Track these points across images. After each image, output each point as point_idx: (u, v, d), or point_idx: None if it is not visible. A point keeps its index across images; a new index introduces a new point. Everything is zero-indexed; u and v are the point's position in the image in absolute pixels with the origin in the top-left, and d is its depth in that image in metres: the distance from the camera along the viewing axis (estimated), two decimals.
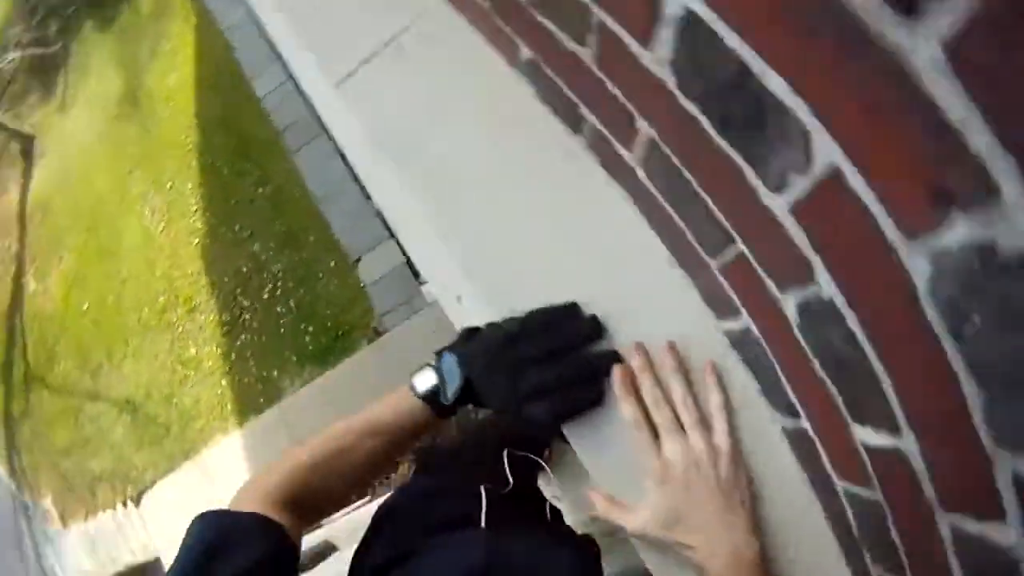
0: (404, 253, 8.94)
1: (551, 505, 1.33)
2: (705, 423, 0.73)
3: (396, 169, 1.10)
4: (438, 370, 0.95)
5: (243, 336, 9.36)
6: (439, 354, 0.97)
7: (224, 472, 9.63)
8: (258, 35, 10.40)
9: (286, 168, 9.38)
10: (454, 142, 1.09)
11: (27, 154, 12.55)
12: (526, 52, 0.96)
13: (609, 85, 0.73)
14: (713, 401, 0.76)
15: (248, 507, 0.87)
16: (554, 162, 1.00)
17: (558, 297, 0.88)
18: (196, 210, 10.09)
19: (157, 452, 10.17)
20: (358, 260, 9.03)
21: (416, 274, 8.89)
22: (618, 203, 0.94)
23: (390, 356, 8.80)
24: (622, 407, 0.77)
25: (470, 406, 0.95)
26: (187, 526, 0.85)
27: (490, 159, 1.08)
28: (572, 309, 0.87)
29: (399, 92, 1.16)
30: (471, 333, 0.94)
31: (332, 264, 9.01)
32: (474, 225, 1.04)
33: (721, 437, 0.73)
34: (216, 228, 9.80)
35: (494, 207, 1.03)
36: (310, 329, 8.99)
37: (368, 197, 9.20)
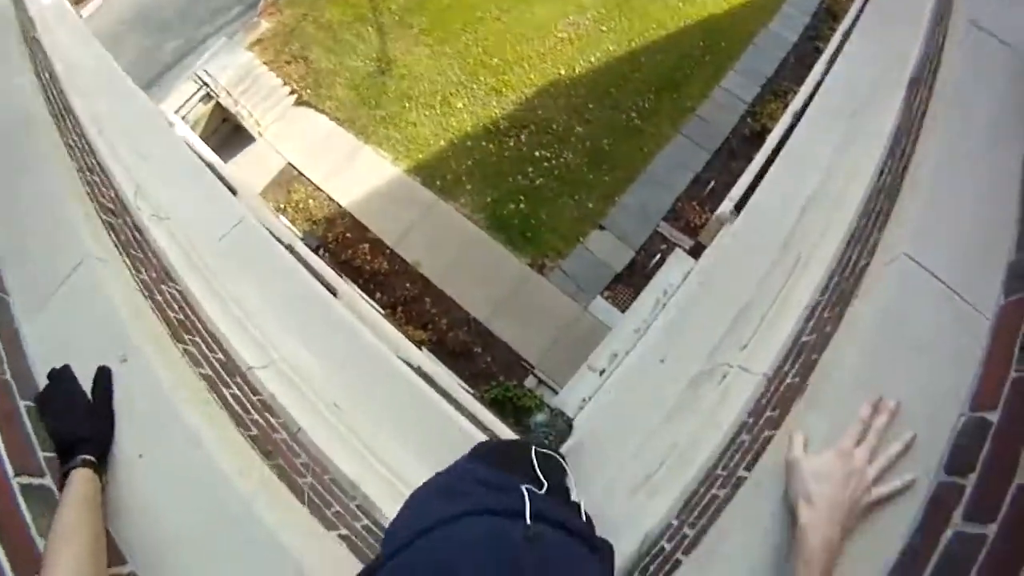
0: (626, 267, 8.86)
1: (586, 511, 1.35)
2: (876, 460, 0.95)
3: None
4: None
5: (490, 146, 9.57)
6: None
7: (351, 168, 9.99)
8: (779, 57, 10.51)
9: (665, 134, 9.48)
10: None
11: None
12: None
13: None
14: (892, 450, 0.96)
15: None
16: None
17: None
18: (588, 63, 10.30)
19: (351, 103, 10.54)
20: (602, 227, 9.02)
21: (602, 288, 8.80)
22: None
23: (518, 289, 8.79)
24: (857, 423, 1.00)
25: None
26: None
27: None
28: None
29: None
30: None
31: (590, 205, 9.06)
32: None
33: (872, 472, 0.94)
34: (577, 86, 9.99)
35: None
36: (521, 207, 9.09)
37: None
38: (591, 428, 2.41)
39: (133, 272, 1.54)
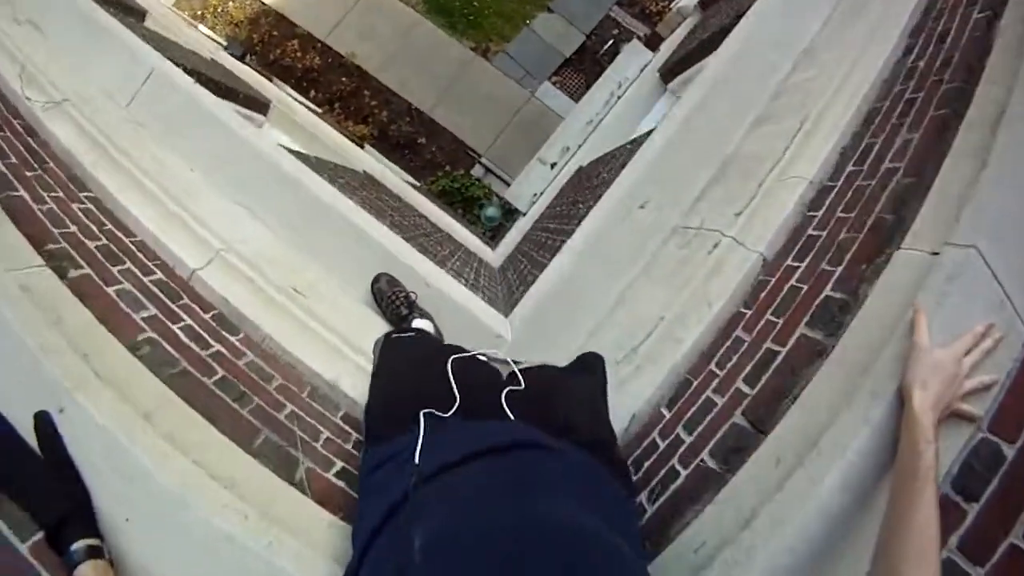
0: (576, 52, 8.38)
1: (508, 392, 1.24)
2: (970, 379, 0.96)
3: None
4: None
5: None
6: None
7: None
8: None
9: None
10: None
11: None
12: None
13: None
14: (985, 377, 0.96)
15: None
16: None
17: None
18: None
19: None
20: (550, 10, 8.42)
21: (550, 73, 8.31)
22: None
23: (461, 75, 8.23)
24: (968, 336, 0.99)
25: None
26: None
27: None
28: None
29: None
30: None
31: None
32: None
33: (965, 388, 0.96)
34: None
35: None
36: None
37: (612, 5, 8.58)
38: (565, 273, 2.31)
39: (35, 205, 1.34)
